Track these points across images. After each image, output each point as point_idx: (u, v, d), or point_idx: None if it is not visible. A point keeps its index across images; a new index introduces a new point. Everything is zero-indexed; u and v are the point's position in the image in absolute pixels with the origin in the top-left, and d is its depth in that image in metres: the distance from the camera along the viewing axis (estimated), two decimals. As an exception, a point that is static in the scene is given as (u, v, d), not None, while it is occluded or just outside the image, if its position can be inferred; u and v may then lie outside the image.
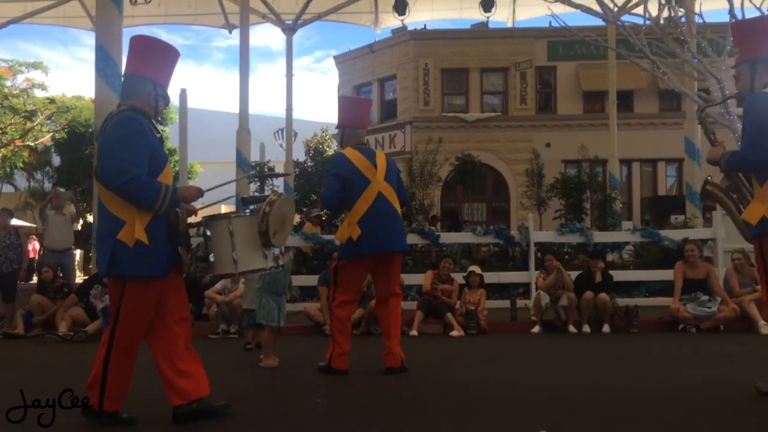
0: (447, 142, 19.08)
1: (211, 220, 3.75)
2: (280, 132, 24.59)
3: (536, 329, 7.70)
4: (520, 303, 8.89)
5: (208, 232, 3.73)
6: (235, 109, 17.70)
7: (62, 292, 8.16)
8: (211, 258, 3.71)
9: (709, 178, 4.44)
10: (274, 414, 3.83)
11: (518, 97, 22.22)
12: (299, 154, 21.76)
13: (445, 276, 8.07)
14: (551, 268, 7.83)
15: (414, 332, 7.44)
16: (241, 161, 16.74)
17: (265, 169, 18.06)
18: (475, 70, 22.45)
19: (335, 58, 26.08)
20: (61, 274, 8.73)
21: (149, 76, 3.55)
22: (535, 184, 14.67)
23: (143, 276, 3.34)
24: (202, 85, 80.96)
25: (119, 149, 3.31)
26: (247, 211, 4.29)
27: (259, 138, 18.35)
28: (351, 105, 5.57)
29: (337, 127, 5.35)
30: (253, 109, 17.80)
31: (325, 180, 5.04)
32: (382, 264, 5.00)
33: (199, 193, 3.67)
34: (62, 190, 10.45)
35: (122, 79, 3.66)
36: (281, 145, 23.91)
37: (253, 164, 17.92)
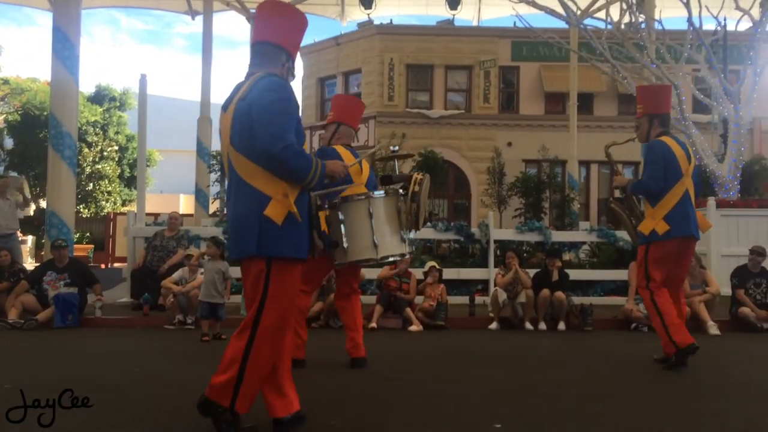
0: (410, 137, 19.14)
1: (345, 201, 3.46)
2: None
3: (493, 325, 7.81)
4: (479, 299, 9.00)
5: (341, 215, 3.45)
6: (195, 97, 17.43)
7: (18, 277, 7.93)
8: (345, 243, 3.41)
9: (611, 199, 5.65)
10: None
11: (482, 96, 22.42)
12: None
13: (402, 271, 8.12)
14: (511, 266, 7.94)
15: (373, 325, 7.47)
16: (202, 150, 16.53)
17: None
18: (440, 67, 22.56)
19: (301, 48, 25.90)
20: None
21: (284, 45, 3.25)
22: (496, 182, 14.81)
23: (291, 257, 3.04)
24: (161, 72, 79.40)
25: (275, 114, 2.99)
26: (381, 192, 3.83)
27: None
28: (350, 104, 5.52)
29: (330, 123, 5.15)
30: (213, 98, 17.55)
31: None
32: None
33: (345, 169, 3.39)
34: (15, 175, 10.17)
35: (253, 45, 3.26)
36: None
37: (214, 153, 17.67)
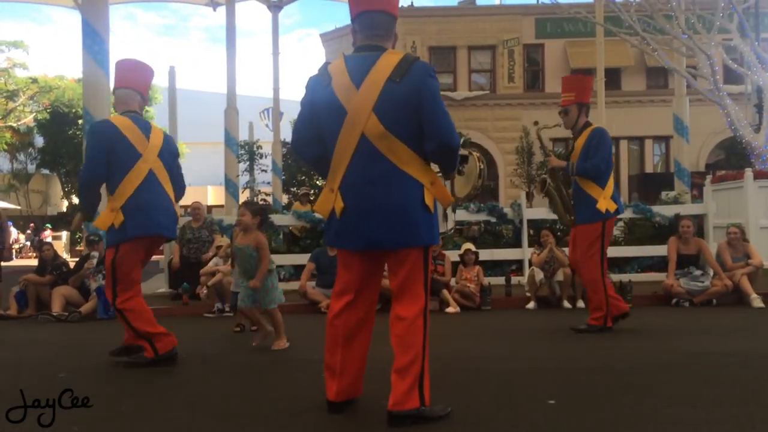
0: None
1: None
2: (266, 112, 24.42)
3: (531, 305, 7.76)
4: (514, 279, 8.94)
5: None
6: (218, 88, 17.51)
7: (61, 270, 8.08)
8: None
9: (548, 181, 5.86)
10: (279, 390, 3.82)
11: (506, 75, 22.19)
12: (286, 134, 21.58)
13: (436, 253, 8.09)
14: (546, 244, 7.87)
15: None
16: (230, 140, 16.61)
17: (255, 149, 17.94)
18: (463, 48, 22.37)
19: (322, 36, 25.84)
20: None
21: (396, 16, 3.19)
22: (524, 162, 14.67)
23: (436, 244, 3.11)
24: (182, 65, 79.93)
25: (443, 103, 2.99)
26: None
27: (244, 118, 18.20)
28: (134, 68, 4.82)
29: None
30: (239, 90, 17.61)
31: None
32: None
33: None
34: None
35: (363, 14, 3.09)
36: (267, 125, 23.76)
37: (242, 143, 17.79)
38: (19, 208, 27.31)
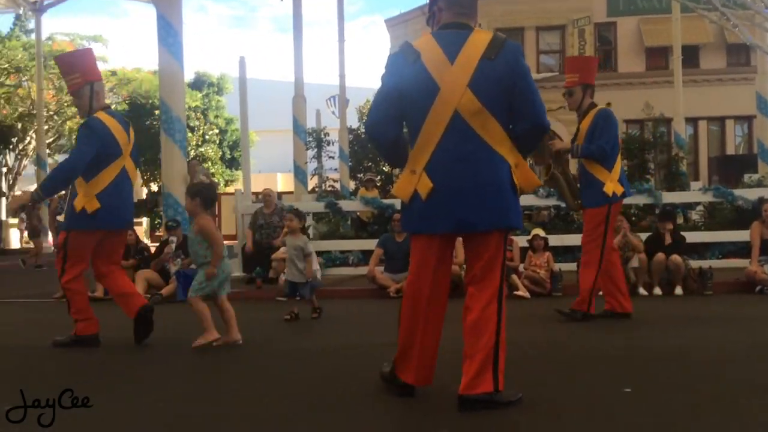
0: (503, 104, 18.72)
1: None
2: (332, 99, 24.60)
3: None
4: (586, 265, 8.73)
5: None
6: (286, 77, 17.77)
7: (143, 254, 8.47)
8: None
9: (552, 165, 5.52)
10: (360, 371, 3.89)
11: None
12: (352, 121, 21.76)
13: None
14: (620, 229, 7.65)
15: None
16: (298, 128, 16.85)
17: (322, 136, 18.17)
18: (531, 29, 21.89)
19: (387, 21, 25.82)
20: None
21: None
22: (596, 145, 14.30)
23: (521, 228, 3.25)
24: (251, 55, 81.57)
25: (534, 83, 3.02)
26: None
27: (312, 105, 18.46)
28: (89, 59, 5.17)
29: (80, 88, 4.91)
30: (306, 78, 17.82)
31: None
32: None
33: None
34: (193, 161, 10.57)
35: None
36: (333, 112, 23.95)
37: (310, 131, 18.04)
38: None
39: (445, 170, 2.90)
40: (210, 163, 28.42)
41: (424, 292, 3.03)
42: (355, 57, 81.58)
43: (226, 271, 4.86)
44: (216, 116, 30.54)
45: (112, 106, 30.75)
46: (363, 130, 18.94)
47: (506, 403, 2.94)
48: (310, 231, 9.77)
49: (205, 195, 4.85)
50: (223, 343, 4.67)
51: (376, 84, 3.26)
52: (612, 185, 5.35)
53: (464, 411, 2.88)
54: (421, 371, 3.09)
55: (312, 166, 18.09)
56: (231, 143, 30.51)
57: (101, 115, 4.84)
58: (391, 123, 3.04)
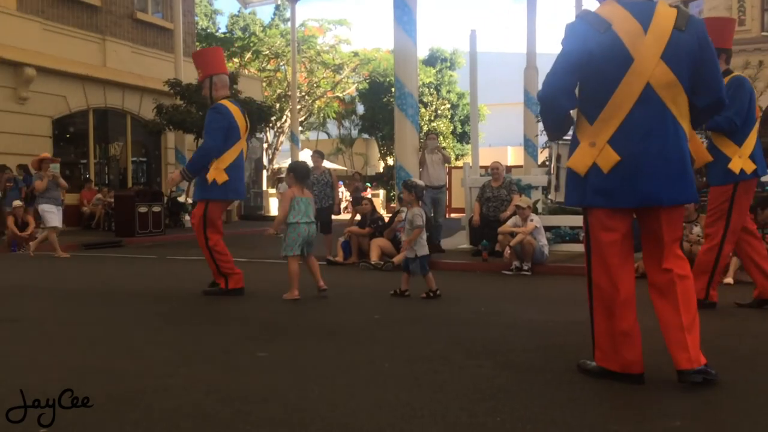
0: (768, 65, 16.40)
1: (563, 142, 3.50)
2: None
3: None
4: None
5: (562, 155, 3.51)
6: (517, 48, 17.42)
7: (378, 224, 9.08)
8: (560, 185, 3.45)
9: None
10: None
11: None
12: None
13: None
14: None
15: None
16: (529, 100, 16.53)
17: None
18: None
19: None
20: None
21: None
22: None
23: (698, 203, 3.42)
24: (484, 28, 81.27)
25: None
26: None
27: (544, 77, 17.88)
28: (212, 54, 6.46)
29: (203, 79, 6.15)
30: (539, 48, 17.33)
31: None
32: None
33: None
34: (432, 135, 11.20)
35: None
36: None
37: (541, 103, 17.55)
38: (345, 168, 31.09)
39: (632, 143, 2.84)
40: (442, 138, 29.20)
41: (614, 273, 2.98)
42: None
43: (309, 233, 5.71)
44: (448, 91, 31.20)
45: (354, 85, 32.87)
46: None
47: (716, 375, 2.85)
48: (538, 205, 9.59)
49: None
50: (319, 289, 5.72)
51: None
52: (740, 161, 4.81)
53: (694, 384, 2.81)
54: (638, 353, 2.95)
55: (542, 139, 17.64)
56: (462, 117, 31.01)
57: (226, 103, 5.83)
58: (570, 94, 2.97)
